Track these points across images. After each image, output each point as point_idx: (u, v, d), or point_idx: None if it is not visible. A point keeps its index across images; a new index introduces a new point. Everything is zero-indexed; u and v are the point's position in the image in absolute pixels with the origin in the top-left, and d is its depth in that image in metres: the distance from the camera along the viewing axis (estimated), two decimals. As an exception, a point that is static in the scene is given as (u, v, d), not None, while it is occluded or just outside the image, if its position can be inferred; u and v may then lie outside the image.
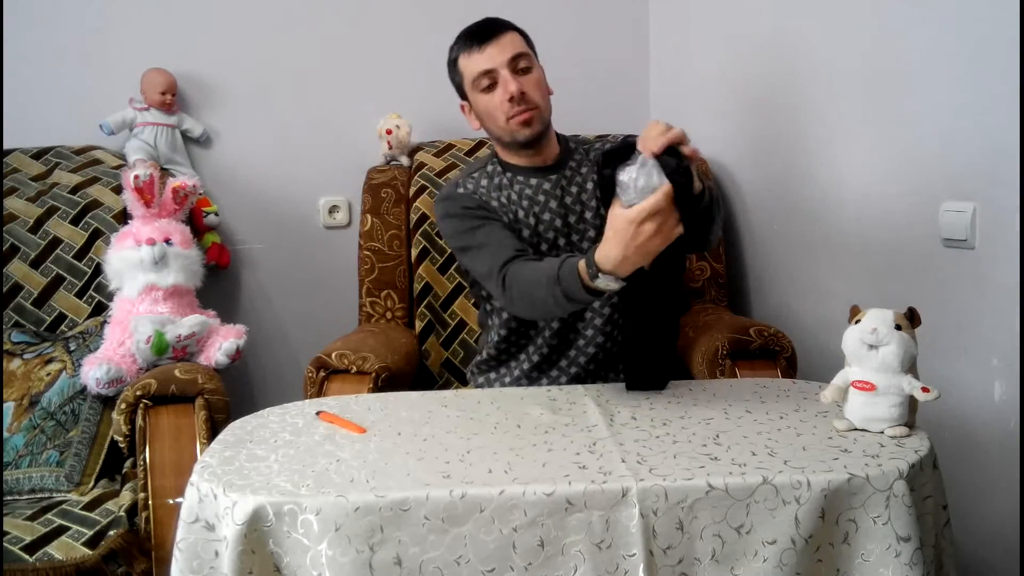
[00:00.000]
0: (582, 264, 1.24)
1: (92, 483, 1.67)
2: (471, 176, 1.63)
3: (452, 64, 1.57)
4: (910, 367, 1.09)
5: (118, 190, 2.03)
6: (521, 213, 1.57)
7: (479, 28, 1.53)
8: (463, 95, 1.58)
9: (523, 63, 1.51)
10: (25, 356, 1.82)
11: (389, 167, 2.21)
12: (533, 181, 1.59)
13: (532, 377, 1.60)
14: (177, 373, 1.65)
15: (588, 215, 1.59)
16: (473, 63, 1.51)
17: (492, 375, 1.65)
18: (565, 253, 1.54)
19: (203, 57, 2.31)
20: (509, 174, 1.60)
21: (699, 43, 2.31)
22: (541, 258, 1.45)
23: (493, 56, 1.49)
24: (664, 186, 1.16)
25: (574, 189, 1.60)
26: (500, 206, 1.57)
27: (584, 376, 1.58)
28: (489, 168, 1.63)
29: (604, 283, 1.22)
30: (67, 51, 2.25)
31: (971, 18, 1.37)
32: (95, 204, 2.03)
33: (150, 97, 2.22)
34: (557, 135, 1.64)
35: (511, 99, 1.49)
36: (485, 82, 1.50)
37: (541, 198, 1.58)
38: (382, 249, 2.08)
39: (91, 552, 1.44)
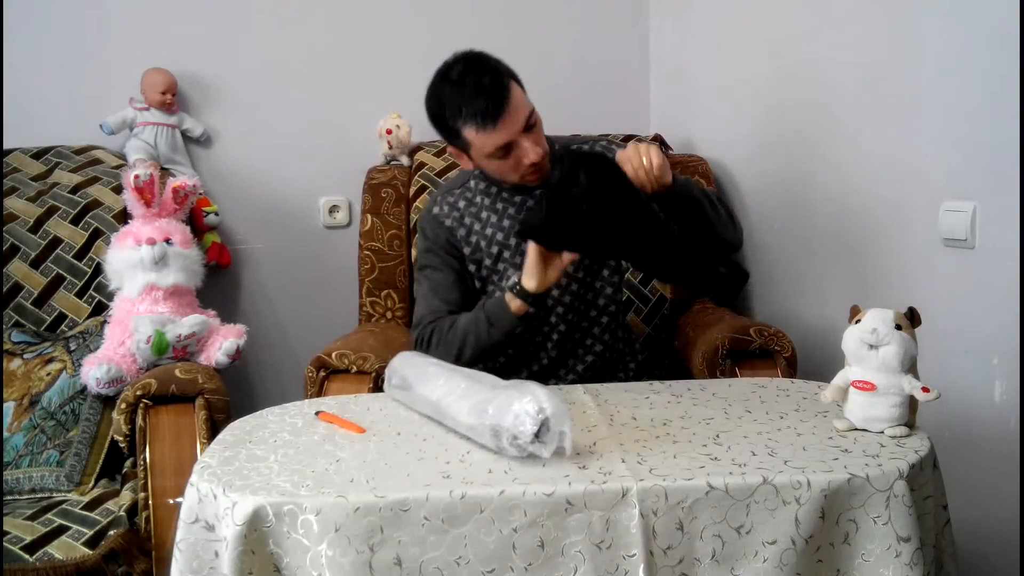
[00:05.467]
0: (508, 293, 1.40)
1: (92, 483, 1.67)
2: (451, 193, 1.59)
3: (453, 132, 1.43)
4: (910, 367, 1.09)
5: (118, 190, 2.03)
6: (500, 236, 1.53)
7: (486, 98, 1.37)
8: (457, 146, 1.47)
9: (532, 119, 1.42)
10: (25, 356, 1.82)
11: (389, 167, 2.21)
12: (517, 199, 1.54)
13: None
14: (177, 373, 1.66)
15: None
16: (489, 140, 1.39)
17: None
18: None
19: (203, 57, 2.31)
20: (493, 190, 1.55)
21: (699, 43, 2.31)
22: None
23: (510, 130, 1.39)
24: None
25: None
26: (469, 232, 1.55)
27: (581, 382, 1.57)
28: (471, 184, 1.58)
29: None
30: (67, 51, 2.25)
31: (971, 18, 1.37)
32: (95, 204, 2.03)
33: (150, 97, 2.22)
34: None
35: (531, 164, 1.43)
36: (501, 153, 1.42)
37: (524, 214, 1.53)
38: (382, 249, 2.08)
39: (91, 552, 1.44)
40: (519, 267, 1.52)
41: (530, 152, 1.42)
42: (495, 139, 1.39)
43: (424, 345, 1.50)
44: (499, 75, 1.40)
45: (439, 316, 1.51)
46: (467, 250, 1.55)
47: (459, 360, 1.44)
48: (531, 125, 1.42)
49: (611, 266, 1.57)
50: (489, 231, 1.54)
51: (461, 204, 1.57)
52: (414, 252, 2.05)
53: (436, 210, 1.58)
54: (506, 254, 1.54)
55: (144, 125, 2.22)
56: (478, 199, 1.56)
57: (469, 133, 1.40)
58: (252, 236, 2.39)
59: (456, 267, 1.56)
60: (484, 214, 1.55)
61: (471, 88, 1.38)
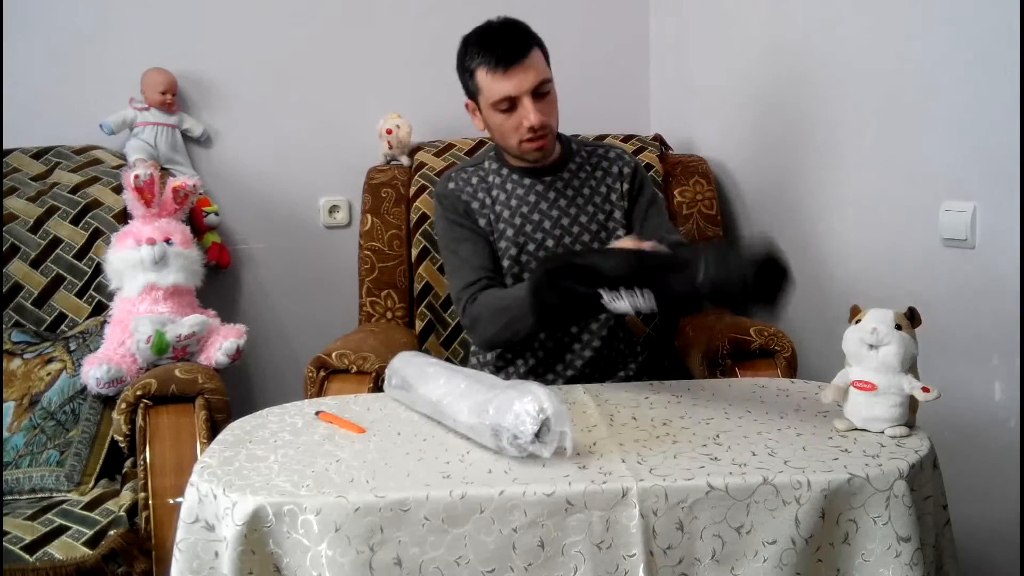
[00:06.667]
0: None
1: (92, 483, 1.67)
2: (464, 171, 1.64)
3: (468, 72, 1.51)
4: (910, 367, 1.09)
5: (118, 190, 2.03)
6: (506, 213, 1.58)
7: (504, 47, 1.46)
8: (471, 96, 1.55)
9: (544, 88, 1.48)
10: (25, 356, 1.82)
11: (389, 167, 2.21)
12: (527, 181, 1.59)
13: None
14: (177, 373, 1.65)
15: (584, 219, 1.58)
16: (496, 86, 1.46)
17: None
18: (553, 254, 1.56)
19: (203, 57, 2.31)
20: (505, 170, 1.61)
21: (699, 43, 2.31)
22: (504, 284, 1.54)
23: (519, 83, 1.45)
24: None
25: (570, 192, 1.59)
26: (481, 206, 1.59)
27: (580, 379, 1.58)
28: (485, 164, 1.64)
29: None
30: (67, 51, 2.25)
31: (971, 18, 1.37)
32: (95, 204, 2.03)
33: (150, 97, 2.22)
34: (559, 136, 1.64)
35: (531, 128, 1.47)
36: (505, 105, 1.47)
37: (532, 199, 1.58)
38: (382, 249, 2.07)
39: (91, 552, 1.44)
40: (521, 246, 1.56)
41: (531, 114, 1.46)
42: (502, 87, 1.45)
43: (471, 320, 1.51)
44: (525, 35, 1.49)
45: (480, 288, 1.52)
46: (482, 222, 1.59)
47: (512, 338, 1.47)
48: (542, 93, 1.48)
49: None
50: (499, 208, 1.59)
51: (474, 180, 1.62)
52: (415, 252, 2.06)
53: (452, 185, 1.62)
54: (509, 232, 1.57)
55: (144, 125, 2.22)
56: (490, 178, 1.61)
57: (481, 74, 1.47)
58: (252, 236, 2.39)
59: (483, 233, 1.58)
60: (495, 192, 1.60)
61: (495, 35, 1.49)
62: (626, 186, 1.62)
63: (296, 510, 0.93)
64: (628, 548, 0.94)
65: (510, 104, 1.47)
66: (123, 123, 2.23)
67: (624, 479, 0.96)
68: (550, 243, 1.57)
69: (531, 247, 1.57)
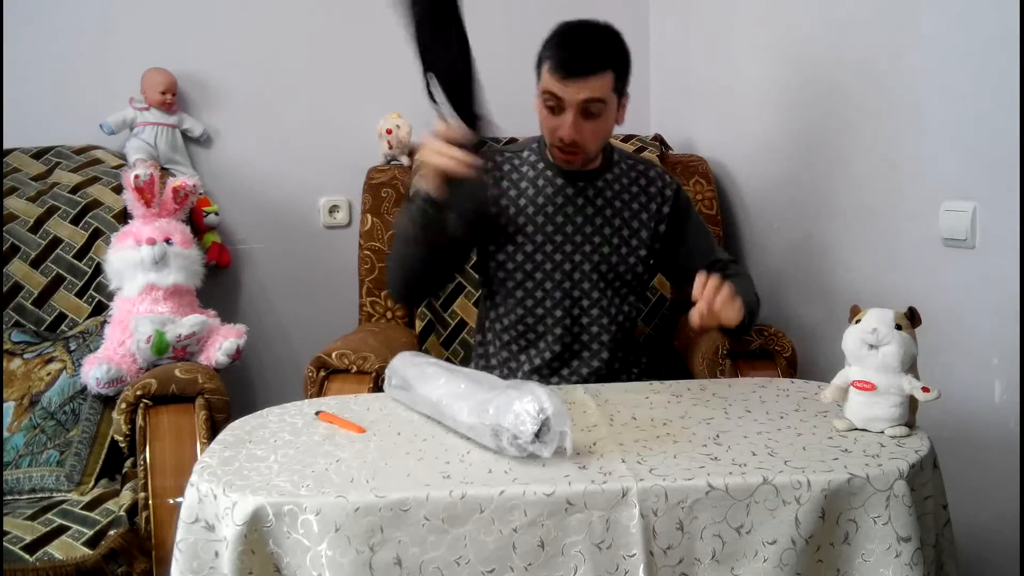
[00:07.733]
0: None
1: (92, 483, 1.67)
2: (502, 154, 1.64)
3: (539, 60, 1.50)
4: (910, 367, 1.09)
5: (118, 190, 2.03)
6: (531, 209, 1.56)
7: (575, 56, 1.44)
8: (538, 73, 1.52)
9: (595, 108, 1.45)
10: (25, 356, 1.82)
11: (389, 167, 2.21)
12: (559, 181, 1.57)
13: None
14: (177, 373, 1.66)
15: (607, 231, 1.57)
16: (551, 83, 1.45)
17: None
18: (571, 261, 1.56)
19: (203, 57, 2.31)
20: (541, 164, 1.59)
21: (699, 43, 2.31)
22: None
23: (570, 92, 1.43)
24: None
25: (600, 202, 1.58)
26: (501, 195, 1.58)
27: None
28: (524, 153, 1.62)
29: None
30: (67, 51, 2.25)
31: (972, 18, 1.37)
32: (95, 204, 2.03)
33: (150, 97, 2.22)
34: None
35: (560, 139, 1.47)
36: (552, 102, 1.46)
37: (559, 199, 1.57)
38: (382, 249, 2.07)
39: (91, 552, 1.44)
40: (539, 244, 1.56)
41: (565, 127, 1.46)
42: (555, 87, 1.44)
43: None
44: (603, 54, 1.46)
45: None
46: (493, 209, 1.57)
47: (401, 268, 1.52)
48: (591, 113, 1.46)
49: (607, 295, 1.58)
50: (522, 201, 1.57)
51: (507, 167, 1.61)
52: (414, 252, 2.06)
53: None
54: (529, 228, 1.56)
55: (144, 125, 2.22)
56: (524, 168, 1.60)
57: (545, 66, 1.47)
58: (252, 236, 2.39)
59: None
60: (524, 183, 1.59)
61: (575, 40, 1.46)
62: (667, 209, 1.61)
63: (296, 510, 0.93)
64: (628, 548, 0.94)
65: (555, 104, 1.46)
66: (123, 123, 2.23)
67: (624, 479, 0.96)
68: (568, 248, 1.56)
69: (548, 248, 1.56)
